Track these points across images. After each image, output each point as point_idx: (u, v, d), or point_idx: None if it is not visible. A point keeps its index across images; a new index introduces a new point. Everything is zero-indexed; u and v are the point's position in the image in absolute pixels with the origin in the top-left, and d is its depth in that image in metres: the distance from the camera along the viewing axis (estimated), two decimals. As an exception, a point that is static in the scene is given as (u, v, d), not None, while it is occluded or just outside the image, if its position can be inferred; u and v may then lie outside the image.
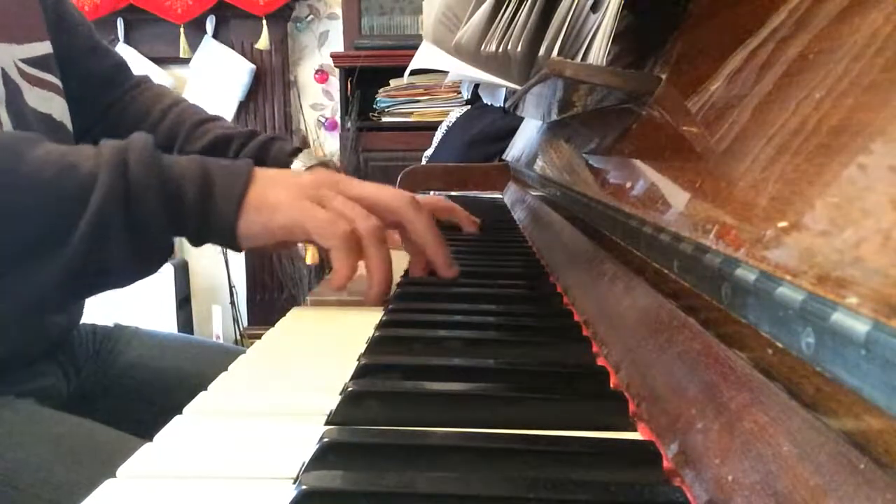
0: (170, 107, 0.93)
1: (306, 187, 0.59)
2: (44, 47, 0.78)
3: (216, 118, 0.96)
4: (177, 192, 0.56)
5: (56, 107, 0.78)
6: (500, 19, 0.71)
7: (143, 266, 0.57)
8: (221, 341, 2.87)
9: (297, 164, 0.91)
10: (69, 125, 0.81)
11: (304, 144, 3.08)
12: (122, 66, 0.95)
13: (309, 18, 3.08)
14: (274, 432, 0.35)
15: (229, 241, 0.59)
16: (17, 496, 0.56)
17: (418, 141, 2.55)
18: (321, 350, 0.50)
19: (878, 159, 0.22)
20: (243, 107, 2.98)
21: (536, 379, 0.40)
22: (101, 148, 0.56)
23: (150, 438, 0.35)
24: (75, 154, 0.55)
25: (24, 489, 0.56)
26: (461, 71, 0.83)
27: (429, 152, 2.18)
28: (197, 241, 0.60)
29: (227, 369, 0.45)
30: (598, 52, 0.55)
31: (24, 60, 0.75)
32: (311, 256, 2.85)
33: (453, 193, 1.52)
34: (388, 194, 0.61)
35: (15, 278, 0.53)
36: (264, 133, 0.95)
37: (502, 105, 1.33)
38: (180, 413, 0.38)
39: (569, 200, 0.69)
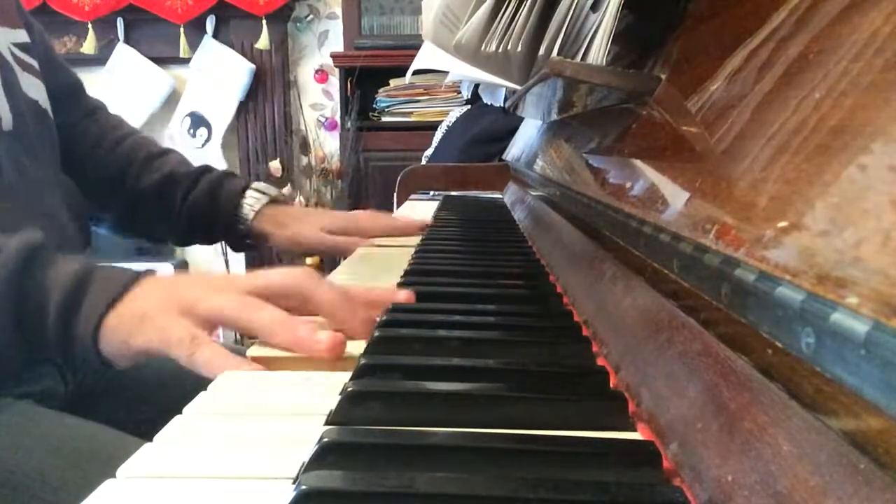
0: (123, 138, 0.94)
1: (175, 294, 0.53)
2: (25, 35, 0.80)
3: (168, 152, 0.97)
4: (35, 308, 0.53)
5: (41, 94, 0.79)
6: (500, 19, 0.71)
7: None
8: (221, 341, 2.87)
9: (250, 200, 0.92)
10: (50, 113, 0.81)
11: (304, 144, 3.08)
12: (76, 86, 0.94)
13: (309, 18, 3.08)
14: (274, 432, 0.35)
15: (96, 361, 0.54)
16: (17, 497, 0.56)
17: (418, 141, 2.55)
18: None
19: (878, 159, 0.22)
20: (243, 107, 2.99)
21: (536, 379, 0.40)
22: None
23: (150, 438, 0.35)
24: None
25: (23, 490, 0.56)
26: (461, 71, 0.83)
27: (429, 152, 2.18)
28: (67, 358, 0.57)
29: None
30: (598, 52, 0.55)
31: (15, 44, 0.76)
32: (310, 258, 2.86)
33: (453, 193, 1.52)
34: (277, 277, 0.54)
35: None
36: (214, 171, 0.95)
37: (502, 105, 1.34)
38: (180, 413, 0.38)
39: (569, 200, 0.69)
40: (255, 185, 0.95)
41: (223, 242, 1.01)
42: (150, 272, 0.56)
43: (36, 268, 0.55)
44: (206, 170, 0.96)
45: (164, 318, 0.51)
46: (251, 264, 2.98)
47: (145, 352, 0.52)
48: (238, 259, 2.96)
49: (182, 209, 0.93)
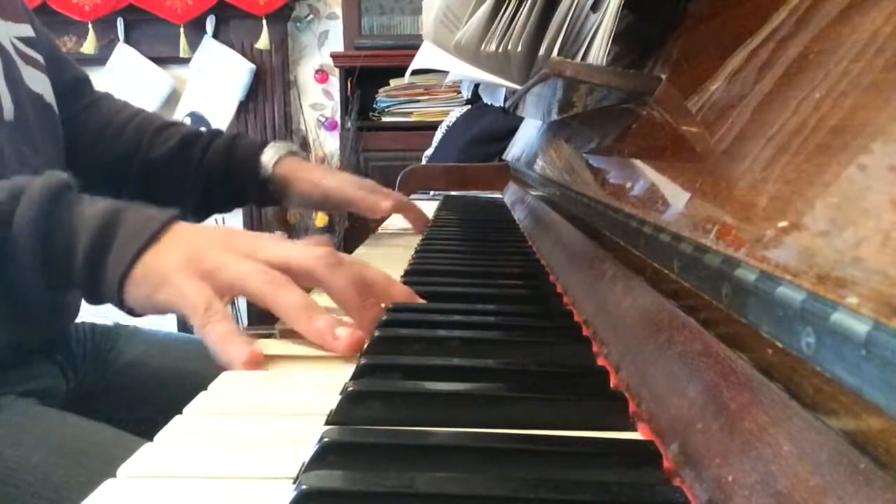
0: (131, 117, 0.95)
1: (199, 254, 0.51)
2: (30, 29, 0.80)
3: (178, 123, 0.98)
4: (63, 250, 0.53)
5: (46, 88, 0.80)
6: (500, 19, 0.71)
7: (13, 310, 0.55)
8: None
9: (268, 154, 0.92)
10: (56, 108, 0.82)
11: (304, 144, 3.08)
12: (84, 80, 0.95)
13: (309, 18, 3.08)
14: (274, 432, 0.35)
15: (122, 309, 0.54)
16: (18, 495, 0.56)
17: (418, 141, 2.55)
18: (322, 350, 0.50)
19: (878, 159, 0.22)
20: (243, 107, 2.98)
21: (536, 379, 0.40)
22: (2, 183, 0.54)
23: (150, 438, 0.35)
24: None
25: (24, 488, 0.56)
26: (461, 71, 0.83)
27: (429, 152, 2.18)
28: (92, 301, 0.56)
29: (227, 369, 0.45)
30: (598, 52, 0.55)
31: (18, 38, 0.76)
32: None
33: (453, 193, 1.52)
34: (297, 254, 0.52)
35: None
36: (226, 133, 0.96)
37: (502, 105, 1.33)
38: (180, 413, 0.38)
39: (569, 200, 0.69)
40: (274, 142, 0.95)
41: (219, 222, 1.00)
42: (175, 217, 0.55)
43: (62, 209, 0.54)
44: (219, 132, 0.96)
45: (183, 279, 0.50)
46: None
47: (167, 309, 0.52)
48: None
49: (198, 170, 0.93)
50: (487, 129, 1.92)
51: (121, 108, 0.96)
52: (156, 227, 0.53)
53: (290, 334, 0.50)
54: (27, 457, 0.58)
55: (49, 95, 0.80)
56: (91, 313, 0.86)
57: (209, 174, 0.93)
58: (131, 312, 0.55)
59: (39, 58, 0.80)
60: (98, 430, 0.64)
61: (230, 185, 0.94)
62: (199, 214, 0.99)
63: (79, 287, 0.55)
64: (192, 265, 0.51)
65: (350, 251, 0.88)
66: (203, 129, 0.97)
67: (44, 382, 0.74)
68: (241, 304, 2.99)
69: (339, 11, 3.00)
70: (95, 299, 0.55)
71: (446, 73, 0.89)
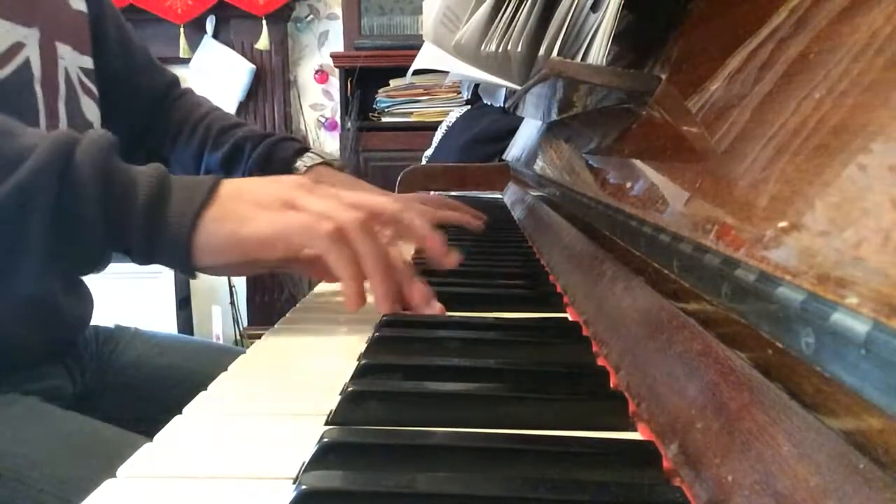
0: (203, 116, 0.97)
1: (279, 192, 0.53)
2: (90, 62, 0.82)
3: (240, 124, 0.99)
4: (123, 191, 0.51)
5: (96, 117, 0.82)
6: (500, 19, 0.71)
7: (58, 262, 0.52)
8: (221, 341, 2.87)
9: (305, 159, 0.92)
10: None
11: (304, 144, 3.08)
12: (172, 83, 0.98)
13: (309, 18, 3.08)
14: (274, 432, 0.35)
15: (183, 258, 0.52)
16: (24, 490, 0.56)
17: (418, 141, 2.55)
18: (321, 350, 0.50)
19: (878, 159, 0.22)
20: (243, 107, 2.98)
21: (536, 379, 0.40)
22: (52, 131, 0.52)
23: (151, 437, 0.35)
24: (23, 128, 0.52)
25: (30, 484, 0.56)
26: (461, 71, 0.83)
27: (429, 152, 2.18)
28: (143, 257, 0.53)
29: (226, 369, 0.45)
30: (598, 52, 0.55)
31: (81, 69, 0.79)
32: None
33: (453, 193, 1.52)
34: (375, 197, 0.55)
35: None
36: (277, 135, 0.97)
37: (502, 105, 1.33)
38: (180, 413, 0.38)
39: (569, 200, 0.69)
40: (315, 149, 0.96)
41: None
42: (214, 176, 0.55)
43: (118, 160, 0.52)
44: (269, 135, 0.97)
45: (275, 210, 0.51)
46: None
47: (257, 245, 0.51)
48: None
49: (243, 176, 0.94)
50: (487, 129, 1.92)
51: (195, 107, 0.98)
52: (212, 179, 0.54)
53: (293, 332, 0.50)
54: (33, 453, 0.58)
55: (98, 123, 0.82)
56: (94, 317, 0.86)
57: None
58: (191, 264, 0.53)
59: (94, 89, 0.82)
60: (102, 429, 0.64)
61: None
62: None
63: (134, 234, 0.52)
64: (277, 199, 0.52)
65: None
66: (259, 131, 0.98)
67: (52, 384, 0.74)
68: (242, 305, 3.00)
69: (339, 11, 3.00)
70: (149, 251, 0.52)
71: (446, 73, 0.89)
